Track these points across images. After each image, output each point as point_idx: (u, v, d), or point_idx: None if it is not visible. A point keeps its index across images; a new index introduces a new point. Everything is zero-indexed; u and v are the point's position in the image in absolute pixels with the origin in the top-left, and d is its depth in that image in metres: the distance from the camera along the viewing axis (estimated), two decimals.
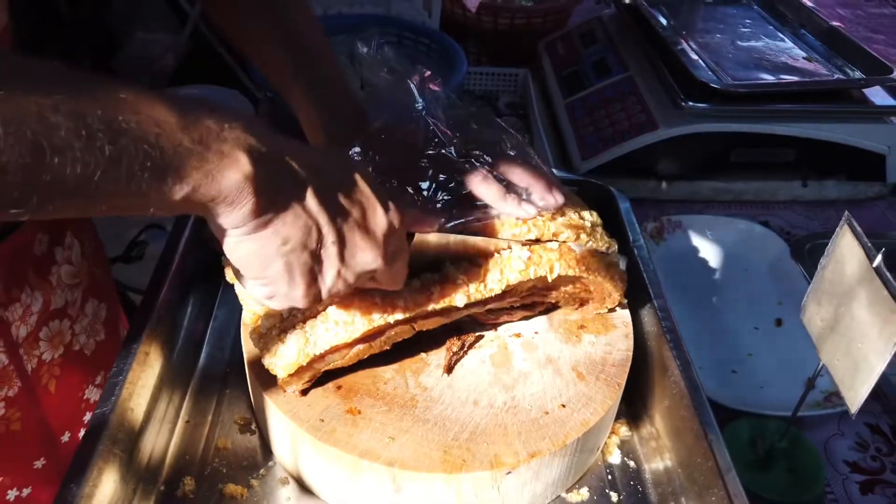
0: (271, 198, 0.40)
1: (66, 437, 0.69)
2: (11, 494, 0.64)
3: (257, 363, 0.62)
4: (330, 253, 0.45)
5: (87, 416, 0.72)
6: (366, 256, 0.46)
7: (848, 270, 0.56)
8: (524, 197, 0.61)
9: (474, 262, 0.59)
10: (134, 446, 0.58)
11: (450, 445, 0.56)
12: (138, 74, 1.58)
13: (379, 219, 0.46)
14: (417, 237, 0.56)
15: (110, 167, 0.33)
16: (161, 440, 0.62)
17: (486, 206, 0.61)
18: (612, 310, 0.69)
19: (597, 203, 0.69)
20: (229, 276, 0.65)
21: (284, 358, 0.56)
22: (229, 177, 0.38)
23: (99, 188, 0.34)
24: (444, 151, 0.61)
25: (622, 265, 0.67)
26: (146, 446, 0.60)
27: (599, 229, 0.65)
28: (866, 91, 1.11)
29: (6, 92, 0.30)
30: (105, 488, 0.53)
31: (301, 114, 0.69)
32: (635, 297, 0.72)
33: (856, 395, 0.55)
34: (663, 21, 1.22)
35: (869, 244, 0.54)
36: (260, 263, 0.43)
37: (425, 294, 0.56)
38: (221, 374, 0.70)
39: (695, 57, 1.10)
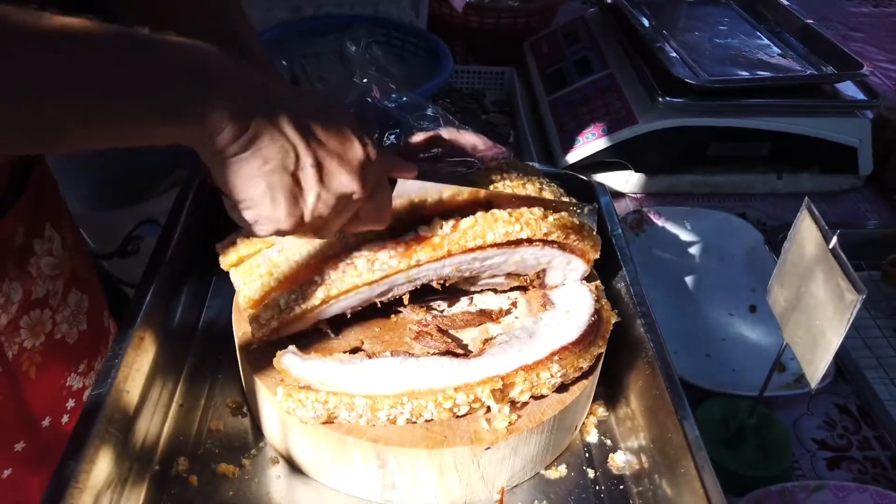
0: (247, 122, 0.45)
1: (46, 422, 0.72)
2: None
3: (249, 348, 0.64)
4: (308, 175, 0.49)
5: (70, 403, 0.74)
6: (342, 179, 0.50)
7: (807, 252, 0.59)
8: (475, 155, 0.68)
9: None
10: (129, 427, 0.60)
11: (432, 422, 0.59)
12: None
13: (355, 149, 0.51)
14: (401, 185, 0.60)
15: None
16: (156, 422, 0.65)
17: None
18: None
19: (579, 196, 0.72)
20: (224, 263, 0.68)
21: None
22: (212, 109, 0.44)
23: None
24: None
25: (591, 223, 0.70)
26: (141, 428, 0.62)
27: (588, 227, 0.68)
28: (838, 86, 1.15)
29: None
30: (102, 466, 0.55)
31: None
32: (613, 284, 0.75)
33: (815, 370, 0.58)
34: (644, 20, 1.25)
35: (826, 227, 0.57)
36: (243, 184, 0.48)
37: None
38: (214, 360, 0.73)
39: (672, 54, 1.13)
